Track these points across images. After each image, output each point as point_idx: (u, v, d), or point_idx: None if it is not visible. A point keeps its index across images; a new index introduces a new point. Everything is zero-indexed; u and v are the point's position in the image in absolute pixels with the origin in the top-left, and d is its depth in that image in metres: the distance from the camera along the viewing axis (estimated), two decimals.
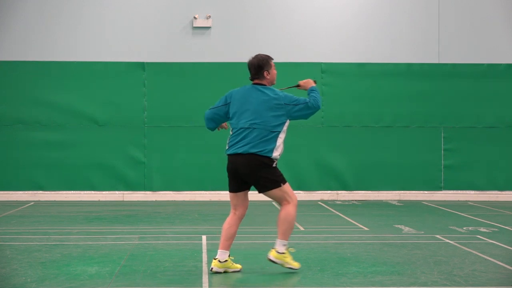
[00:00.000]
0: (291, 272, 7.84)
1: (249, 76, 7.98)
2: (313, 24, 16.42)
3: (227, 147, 7.86)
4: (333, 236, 10.60)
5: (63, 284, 7.26)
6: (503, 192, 16.34)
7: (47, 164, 15.89)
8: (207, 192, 16.07)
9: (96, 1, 16.18)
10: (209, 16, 16.21)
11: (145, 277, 7.62)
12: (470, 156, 16.35)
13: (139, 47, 16.18)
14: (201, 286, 7.24)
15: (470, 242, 9.91)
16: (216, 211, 13.88)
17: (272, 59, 7.99)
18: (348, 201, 15.92)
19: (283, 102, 7.76)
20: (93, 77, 16.02)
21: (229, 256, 7.84)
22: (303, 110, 7.80)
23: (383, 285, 7.29)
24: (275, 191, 7.72)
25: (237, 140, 7.76)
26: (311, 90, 7.99)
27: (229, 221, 7.85)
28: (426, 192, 16.34)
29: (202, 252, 9.07)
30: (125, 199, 15.91)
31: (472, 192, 16.35)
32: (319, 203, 15.45)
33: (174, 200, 15.93)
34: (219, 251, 7.80)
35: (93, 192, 15.98)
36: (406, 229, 11.34)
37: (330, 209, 14.38)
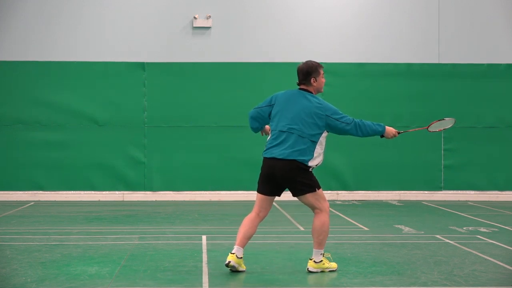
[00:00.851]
0: (291, 272, 7.83)
1: (297, 81, 7.94)
2: (313, 24, 16.42)
3: (264, 149, 7.83)
4: (333, 236, 10.59)
5: (63, 284, 7.26)
6: (503, 192, 16.34)
7: (47, 164, 15.89)
8: (207, 192, 16.07)
9: (96, 1, 16.18)
10: (209, 16, 16.21)
11: (145, 277, 7.62)
12: (470, 156, 16.35)
13: (139, 47, 16.19)
14: (201, 286, 7.24)
15: (470, 242, 9.91)
16: (216, 211, 13.88)
17: (322, 67, 7.97)
18: (348, 201, 15.92)
19: (325, 114, 7.71)
20: (93, 77, 16.02)
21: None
22: (342, 130, 7.74)
23: (383, 285, 7.29)
24: (309, 196, 7.71)
25: (275, 143, 7.73)
26: (378, 124, 7.89)
27: (252, 220, 7.81)
28: (426, 192, 16.34)
29: (202, 252, 9.07)
30: (125, 199, 15.91)
31: (472, 192, 16.35)
32: None
33: (174, 200, 15.93)
34: (236, 247, 7.74)
35: (93, 192, 15.98)
36: (406, 229, 11.34)
37: (330, 209, 14.34)
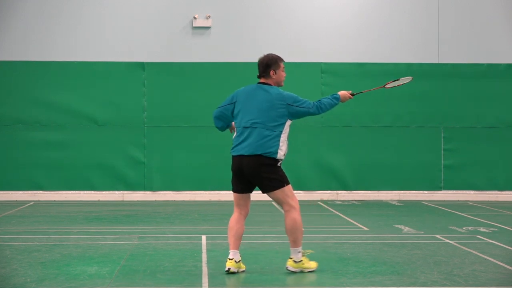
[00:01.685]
0: (290, 272, 7.83)
1: (257, 74, 7.95)
2: (313, 24, 16.41)
3: (231, 148, 7.84)
4: (333, 236, 10.60)
5: (62, 284, 7.26)
6: (503, 192, 16.34)
7: (47, 164, 15.88)
8: (207, 192, 16.07)
9: (96, 1, 16.18)
10: (209, 16, 16.21)
11: (144, 277, 7.61)
12: (470, 156, 16.35)
13: (139, 47, 16.18)
14: (201, 286, 7.24)
15: (470, 242, 9.91)
16: (216, 211, 13.88)
17: (283, 60, 7.96)
18: (348, 201, 15.92)
19: (286, 102, 7.74)
20: (93, 77, 16.02)
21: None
22: (305, 114, 7.80)
23: (383, 285, 7.29)
24: (278, 192, 7.68)
25: (240, 140, 7.75)
26: (334, 97, 7.97)
27: (237, 220, 7.84)
28: (426, 192, 16.34)
29: (202, 252, 9.07)
30: (124, 199, 15.91)
31: (472, 192, 16.35)
32: (319, 203, 15.45)
33: (174, 200, 15.93)
34: (232, 251, 7.75)
35: (93, 192, 15.98)
36: (406, 229, 11.33)
37: (330, 209, 14.38)
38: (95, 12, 16.17)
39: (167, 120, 16.07)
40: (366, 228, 11.46)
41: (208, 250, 9.21)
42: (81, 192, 15.96)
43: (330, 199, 16.08)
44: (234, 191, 7.90)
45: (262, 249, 9.27)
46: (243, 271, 7.83)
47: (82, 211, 13.82)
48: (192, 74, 16.11)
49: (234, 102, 7.93)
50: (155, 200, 15.90)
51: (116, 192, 16.01)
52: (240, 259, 7.78)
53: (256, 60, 17.40)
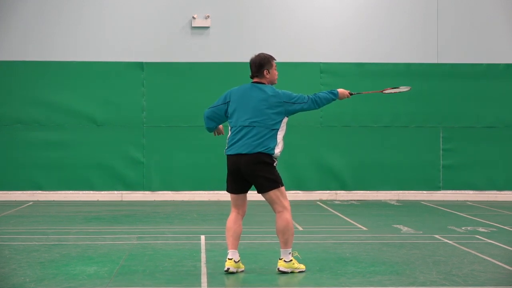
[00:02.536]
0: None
1: (250, 74, 7.96)
2: (312, 24, 16.41)
3: (226, 147, 7.86)
4: (332, 236, 10.60)
5: (61, 284, 7.26)
6: (502, 192, 16.34)
7: (46, 164, 15.88)
8: (206, 192, 16.07)
9: (95, 1, 16.17)
10: (208, 16, 16.21)
11: (144, 277, 7.61)
12: (469, 156, 16.35)
13: (138, 47, 16.18)
14: (200, 286, 7.24)
15: (469, 242, 9.91)
16: (215, 211, 13.88)
17: (275, 59, 8.00)
18: (347, 201, 15.92)
19: (282, 100, 7.78)
20: (92, 77, 16.02)
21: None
22: (301, 110, 7.87)
23: (382, 285, 7.29)
24: (272, 193, 7.69)
25: (236, 138, 7.77)
26: (331, 92, 8.01)
27: (235, 220, 7.82)
28: (425, 192, 16.34)
29: (201, 252, 9.07)
30: (124, 199, 15.91)
31: (471, 192, 16.35)
32: (318, 203, 15.45)
33: (173, 200, 15.93)
34: (231, 251, 7.75)
35: (92, 192, 15.98)
36: (405, 229, 11.34)
37: (329, 209, 14.38)
38: (95, 12, 16.16)
39: (166, 120, 16.07)
40: (365, 228, 11.46)
41: (207, 250, 9.21)
42: (80, 192, 15.96)
43: (329, 199, 16.08)
44: (230, 191, 7.89)
45: (261, 249, 9.27)
46: (242, 271, 7.83)
47: (81, 211, 13.82)
48: (191, 74, 16.11)
49: (228, 102, 7.98)
50: (154, 200, 15.90)
51: (115, 192, 16.01)
52: (239, 259, 7.78)
53: None
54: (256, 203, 14.07)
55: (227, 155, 7.83)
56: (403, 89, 8.74)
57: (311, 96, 7.87)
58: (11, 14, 16.02)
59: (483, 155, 16.34)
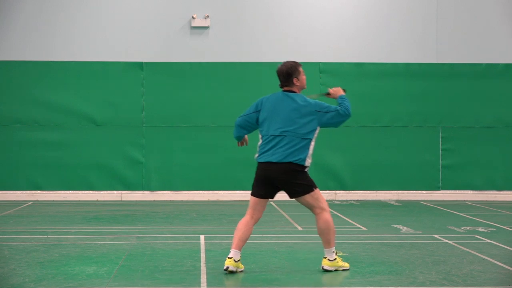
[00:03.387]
0: (289, 272, 7.84)
1: (279, 83, 7.97)
2: (311, 24, 16.41)
3: (257, 155, 7.86)
4: None
5: (61, 284, 7.25)
6: (501, 192, 16.34)
7: (45, 164, 15.88)
8: (205, 192, 16.06)
9: (94, 1, 16.17)
10: (207, 16, 16.20)
11: (143, 277, 7.61)
12: (468, 156, 16.35)
13: (137, 46, 16.18)
14: (199, 286, 7.24)
15: (468, 242, 9.91)
16: (214, 211, 13.88)
17: (301, 65, 7.99)
18: (346, 201, 15.92)
19: (314, 109, 7.78)
20: (92, 77, 16.01)
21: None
22: (335, 118, 7.85)
23: (381, 285, 7.29)
24: (308, 197, 7.74)
25: (268, 147, 7.78)
26: (341, 98, 8.04)
27: (246, 223, 7.85)
28: (424, 192, 16.34)
29: (200, 252, 9.07)
30: (123, 199, 15.90)
31: (470, 192, 16.35)
32: None
33: (172, 200, 15.93)
34: (233, 250, 7.75)
35: (91, 192, 15.97)
36: (404, 229, 11.34)
37: None
38: (94, 12, 16.15)
39: (166, 120, 16.07)
40: (364, 228, 11.46)
41: (206, 250, 9.21)
42: (80, 192, 15.96)
43: (328, 199, 16.08)
44: (254, 195, 7.88)
45: (261, 249, 9.26)
46: (241, 271, 7.83)
47: (80, 211, 13.81)
48: (190, 74, 16.11)
49: (259, 110, 7.96)
50: (154, 200, 15.90)
51: (115, 192, 16.00)
52: (239, 258, 7.78)
53: (254, 60, 17.42)
54: None
55: (258, 162, 7.84)
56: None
57: (337, 107, 7.90)
58: (9, 14, 16.01)
59: (482, 155, 16.34)
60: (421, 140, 16.33)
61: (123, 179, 16.00)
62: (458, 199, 16.21)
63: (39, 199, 15.77)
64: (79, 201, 15.72)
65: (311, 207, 7.82)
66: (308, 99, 7.87)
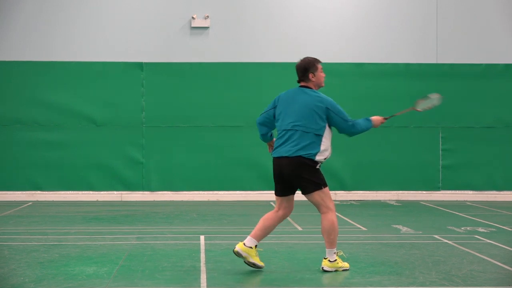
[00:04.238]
0: (289, 272, 7.84)
1: (297, 79, 8.04)
2: (311, 24, 16.41)
3: (273, 150, 7.96)
4: None
5: (61, 284, 7.26)
6: (501, 192, 16.34)
7: (45, 164, 15.88)
8: (206, 192, 16.06)
9: (94, 1, 16.17)
10: (207, 16, 16.21)
11: (143, 277, 7.62)
12: (468, 156, 16.36)
13: (137, 47, 16.18)
14: (199, 286, 7.24)
15: (468, 242, 9.92)
16: (214, 211, 13.88)
17: (319, 62, 8.03)
18: (346, 201, 15.92)
19: (325, 106, 7.80)
20: (91, 77, 16.01)
21: (256, 246, 7.89)
22: (342, 124, 7.85)
23: (381, 285, 7.30)
24: (315, 194, 7.79)
25: (280, 142, 7.85)
26: (367, 119, 8.06)
27: (270, 215, 7.97)
28: (424, 192, 16.34)
29: (200, 252, 9.07)
30: (123, 199, 15.90)
31: (470, 192, 16.36)
32: None
33: (173, 200, 15.93)
34: (248, 237, 7.86)
35: (91, 192, 15.97)
36: (404, 229, 11.34)
37: None
38: (94, 12, 16.16)
39: (166, 120, 16.07)
40: (364, 228, 11.46)
41: (206, 250, 9.21)
42: (80, 192, 15.96)
43: None
44: (275, 193, 8.01)
45: (261, 248, 9.26)
46: (259, 267, 7.87)
47: (80, 211, 13.81)
48: (190, 74, 16.11)
49: (276, 106, 8.03)
50: (154, 200, 15.90)
51: (115, 192, 16.01)
52: (251, 246, 7.82)
53: (254, 60, 17.46)
54: (255, 203, 14.12)
55: (273, 157, 7.92)
56: (434, 98, 8.75)
57: (353, 120, 7.90)
58: (9, 14, 16.01)
59: (482, 155, 16.34)
60: (421, 140, 16.33)
61: (123, 179, 16.01)
62: (458, 199, 16.21)
63: (39, 199, 15.77)
64: (79, 201, 15.72)
65: (318, 206, 7.84)
66: (322, 95, 7.91)
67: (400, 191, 16.32)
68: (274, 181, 7.96)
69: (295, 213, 13.19)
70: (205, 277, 7.62)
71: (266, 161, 15.24)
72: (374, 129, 16.85)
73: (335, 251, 7.90)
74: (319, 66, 7.99)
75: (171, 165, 16.06)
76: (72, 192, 15.94)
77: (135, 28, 16.20)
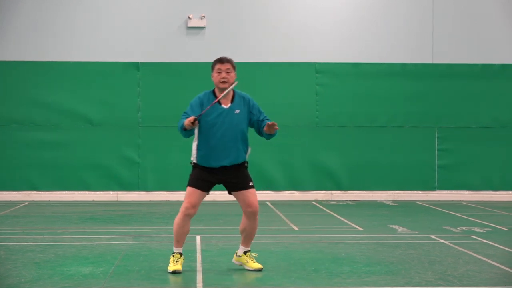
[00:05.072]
0: (285, 272, 7.83)
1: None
2: (308, 24, 16.42)
3: None
4: (327, 236, 10.60)
5: (57, 284, 7.25)
6: (497, 192, 16.36)
7: (41, 164, 15.86)
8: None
9: (91, 2, 16.15)
10: (204, 16, 16.20)
11: (139, 277, 7.61)
12: (464, 156, 16.37)
13: (133, 47, 16.17)
14: (195, 286, 7.24)
15: (464, 242, 9.92)
16: (210, 211, 13.87)
17: (217, 62, 8.59)
18: (343, 201, 15.93)
19: None
20: (88, 77, 16.00)
21: (246, 252, 8.00)
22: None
23: (377, 285, 7.30)
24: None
25: None
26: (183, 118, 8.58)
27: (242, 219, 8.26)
28: (420, 192, 16.35)
29: (196, 252, 9.07)
30: (119, 199, 15.89)
31: (466, 192, 16.37)
32: (313, 203, 15.45)
33: (168, 200, 15.92)
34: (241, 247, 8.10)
35: (87, 192, 15.96)
36: (400, 229, 11.34)
37: (324, 209, 14.37)
38: (90, 13, 16.14)
39: (162, 120, 16.06)
40: (360, 228, 11.47)
41: (202, 250, 9.21)
42: (76, 192, 15.94)
43: (324, 199, 16.09)
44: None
45: (257, 249, 9.25)
46: (249, 269, 7.93)
47: (76, 211, 13.80)
48: (186, 74, 16.10)
49: None
50: (150, 200, 15.89)
51: (111, 192, 15.99)
52: (240, 254, 8.01)
53: (251, 60, 17.46)
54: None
55: None
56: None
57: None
58: (6, 15, 15.99)
59: (478, 155, 16.36)
60: (418, 140, 16.34)
61: (119, 179, 15.99)
62: (454, 199, 16.23)
63: (35, 199, 15.75)
64: (75, 201, 15.70)
65: None
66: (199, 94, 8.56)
67: (396, 191, 16.32)
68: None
69: (291, 213, 13.24)
70: (201, 277, 7.62)
71: (262, 161, 15.24)
72: (370, 130, 16.99)
73: (176, 251, 7.89)
74: (215, 66, 8.45)
75: (167, 165, 16.05)
76: (68, 192, 15.93)
77: (131, 28, 16.19)
